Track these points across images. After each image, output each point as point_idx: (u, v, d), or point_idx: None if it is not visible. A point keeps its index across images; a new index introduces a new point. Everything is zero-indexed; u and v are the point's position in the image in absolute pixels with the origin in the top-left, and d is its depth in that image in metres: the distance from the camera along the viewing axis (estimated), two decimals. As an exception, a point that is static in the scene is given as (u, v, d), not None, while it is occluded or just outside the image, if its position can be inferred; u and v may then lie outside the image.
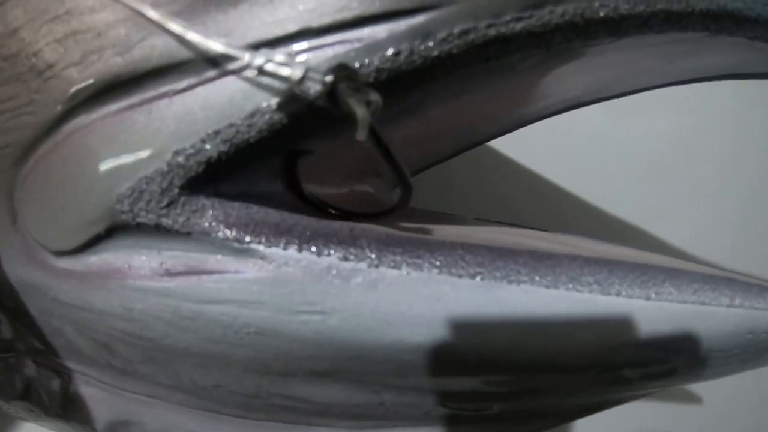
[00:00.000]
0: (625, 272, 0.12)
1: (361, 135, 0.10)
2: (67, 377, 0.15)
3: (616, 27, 0.12)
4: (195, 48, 0.10)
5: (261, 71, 0.10)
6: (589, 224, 0.25)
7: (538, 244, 0.13)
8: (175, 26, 0.10)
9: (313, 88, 0.10)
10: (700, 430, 0.23)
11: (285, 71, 0.10)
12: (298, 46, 0.10)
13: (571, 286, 0.11)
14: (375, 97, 0.10)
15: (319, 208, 0.12)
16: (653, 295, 0.12)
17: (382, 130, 0.13)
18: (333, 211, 0.12)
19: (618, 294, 0.12)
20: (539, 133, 0.22)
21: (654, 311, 0.12)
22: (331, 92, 0.10)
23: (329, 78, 0.10)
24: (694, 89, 0.19)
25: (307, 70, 0.10)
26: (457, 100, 0.14)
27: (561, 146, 0.25)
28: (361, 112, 0.09)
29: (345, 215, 0.12)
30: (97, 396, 0.15)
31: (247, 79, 0.10)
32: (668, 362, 0.13)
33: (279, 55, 0.10)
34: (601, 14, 0.12)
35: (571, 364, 0.12)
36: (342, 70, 0.10)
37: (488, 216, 0.17)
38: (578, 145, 0.25)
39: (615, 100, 0.19)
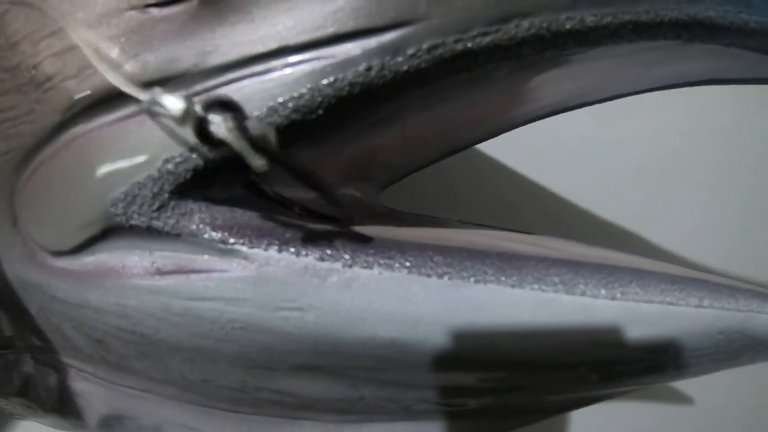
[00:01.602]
0: (592, 273, 0.14)
1: (255, 162, 0.11)
2: (63, 373, 0.17)
3: (584, 38, 0.14)
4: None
5: (150, 110, 0.12)
6: (581, 227, 0.26)
7: (514, 246, 0.15)
8: (96, 61, 0.12)
9: (189, 123, 0.11)
10: (691, 430, 0.25)
11: (167, 108, 0.11)
12: (278, 62, 0.12)
13: (536, 286, 0.13)
14: (255, 125, 0.11)
15: (288, 209, 0.13)
16: (619, 296, 0.14)
17: (361, 138, 0.15)
18: (299, 212, 0.14)
19: (583, 294, 0.13)
20: (531, 136, 0.23)
21: (620, 311, 0.14)
22: (199, 129, 0.11)
23: (199, 113, 0.11)
24: (685, 92, 0.21)
25: (186, 108, 0.11)
26: (435, 108, 0.15)
27: (553, 149, 0.26)
28: (237, 143, 0.11)
29: (309, 215, 0.13)
30: (93, 391, 0.17)
31: (232, 93, 0.12)
32: (637, 362, 0.15)
33: (166, 95, 0.11)
34: (568, 26, 0.13)
35: (537, 362, 0.14)
36: (211, 105, 0.11)
37: (480, 219, 0.19)
38: (570, 148, 0.27)
39: (606, 104, 0.20)
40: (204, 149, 0.12)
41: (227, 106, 0.11)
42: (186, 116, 0.11)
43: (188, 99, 0.11)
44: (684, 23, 0.15)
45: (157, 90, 0.11)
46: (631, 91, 0.19)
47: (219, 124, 0.11)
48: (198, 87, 0.12)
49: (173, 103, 0.11)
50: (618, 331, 0.14)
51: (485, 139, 0.19)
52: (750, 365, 0.18)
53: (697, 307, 0.15)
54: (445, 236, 0.14)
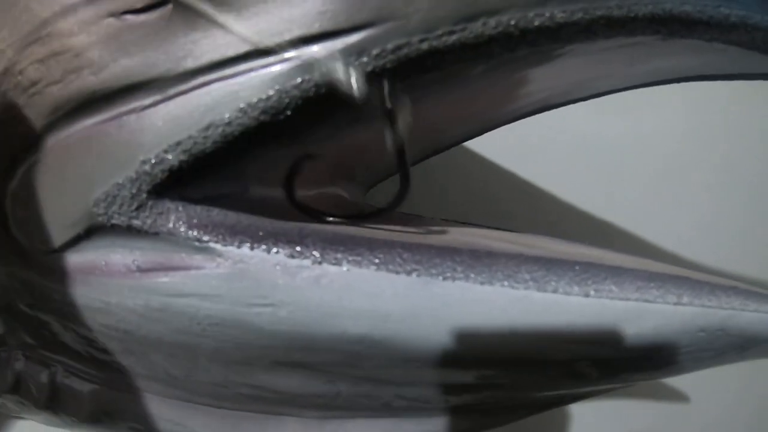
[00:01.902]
0: (565, 270, 0.14)
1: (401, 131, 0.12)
2: (54, 370, 0.18)
3: (555, 35, 0.14)
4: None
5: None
6: (573, 226, 0.26)
7: (490, 243, 0.15)
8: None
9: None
10: (688, 429, 0.25)
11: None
12: (247, 65, 0.12)
13: (506, 283, 0.13)
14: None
15: (314, 216, 0.14)
16: (592, 293, 0.14)
17: (341, 137, 0.15)
18: (330, 219, 0.14)
19: (555, 291, 0.13)
20: (522, 134, 0.23)
21: (593, 308, 0.14)
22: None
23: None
24: (679, 89, 0.21)
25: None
26: (414, 107, 0.16)
27: (544, 148, 0.26)
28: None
29: (345, 219, 0.14)
30: (82, 387, 0.18)
31: (204, 96, 0.13)
32: (612, 360, 0.15)
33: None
34: (537, 23, 0.13)
35: (509, 359, 0.14)
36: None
37: (471, 218, 0.19)
38: (561, 146, 0.27)
39: (600, 101, 0.20)
40: (182, 147, 0.12)
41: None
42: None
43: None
44: (660, 18, 0.15)
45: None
46: (616, 88, 0.19)
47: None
48: (172, 91, 0.13)
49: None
50: (591, 329, 0.14)
51: (468, 138, 0.20)
52: (745, 363, 0.18)
53: (675, 304, 0.15)
54: (419, 234, 0.15)
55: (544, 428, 0.25)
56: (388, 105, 0.13)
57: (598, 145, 0.27)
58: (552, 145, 0.26)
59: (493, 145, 0.27)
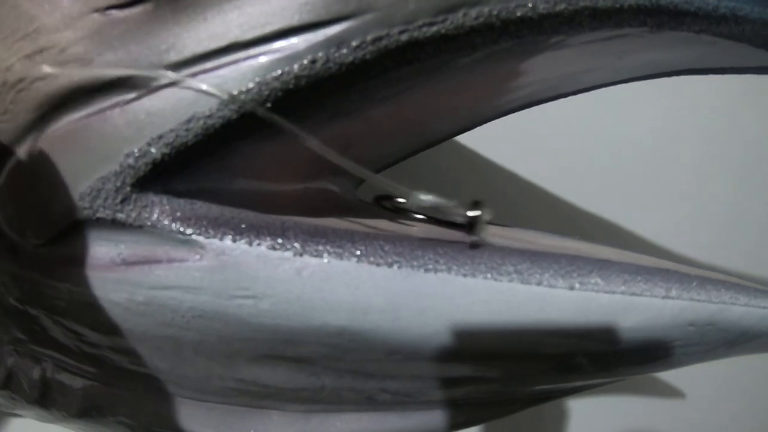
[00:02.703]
0: (550, 263, 0.14)
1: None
2: (45, 365, 0.18)
3: (539, 26, 0.14)
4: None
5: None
6: (568, 221, 0.26)
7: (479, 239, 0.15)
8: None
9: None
10: (683, 425, 0.25)
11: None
12: (229, 58, 0.13)
13: (489, 275, 0.13)
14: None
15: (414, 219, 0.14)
16: (578, 286, 0.14)
17: (325, 130, 0.15)
18: (419, 217, 0.15)
19: (539, 284, 0.14)
20: (516, 130, 0.23)
21: (578, 302, 0.14)
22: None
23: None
24: (671, 82, 0.21)
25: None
26: (398, 100, 0.16)
27: (539, 144, 0.26)
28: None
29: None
30: (72, 382, 0.18)
31: (185, 90, 0.13)
32: (599, 354, 0.15)
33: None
34: (519, 14, 0.13)
35: (494, 352, 0.14)
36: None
37: None
38: (556, 142, 0.27)
39: (592, 95, 0.21)
40: (165, 140, 0.13)
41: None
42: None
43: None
44: (646, 9, 0.15)
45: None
46: (606, 82, 0.19)
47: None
48: (155, 84, 0.13)
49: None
50: (576, 322, 0.14)
51: (456, 134, 0.20)
52: (741, 359, 0.18)
53: (663, 298, 0.15)
54: (402, 227, 0.15)
55: (538, 425, 0.25)
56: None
57: (589, 141, 0.27)
58: (543, 143, 0.26)
59: (487, 142, 0.27)
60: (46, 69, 0.14)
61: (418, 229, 0.15)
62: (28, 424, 0.24)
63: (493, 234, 0.16)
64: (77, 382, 0.18)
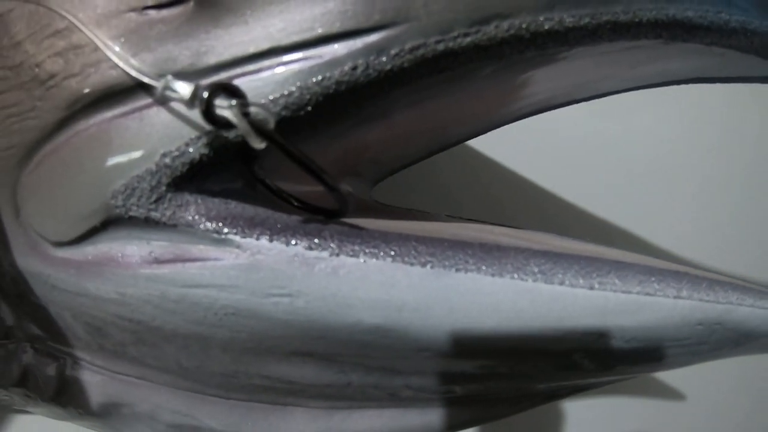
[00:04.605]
0: (571, 263, 0.15)
1: (255, 143, 0.12)
2: (62, 362, 0.18)
3: (564, 38, 0.15)
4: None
5: (163, 95, 0.13)
6: (573, 224, 0.27)
7: (497, 238, 0.16)
8: (113, 55, 0.13)
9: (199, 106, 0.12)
10: (683, 427, 0.26)
11: (178, 93, 0.13)
12: (269, 62, 0.13)
13: (516, 275, 0.14)
14: (257, 110, 0.12)
15: (286, 202, 0.14)
16: (597, 285, 0.15)
17: (350, 134, 0.16)
18: (296, 204, 0.15)
19: (561, 283, 0.14)
20: (524, 134, 0.24)
21: (598, 300, 0.15)
22: (206, 109, 0.12)
23: (205, 96, 0.12)
24: (679, 90, 0.22)
25: (195, 91, 0.12)
26: (422, 106, 0.16)
27: (545, 147, 0.27)
28: (241, 124, 0.12)
29: (307, 209, 0.15)
30: (90, 379, 0.18)
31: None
32: (617, 350, 0.16)
33: (177, 81, 0.13)
34: (546, 27, 0.14)
35: (518, 349, 0.15)
36: (216, 89, 0.12)
37: (472, 215, 0.20)
38: (563, 145, 0.28)
39: (601, 101, 0.21)
40: (203, 140, 0.13)
41: (232, 92, 0.13)
42: (194, 99, 0.12)
43: (197, 84, 0.12)
44: (663, 23, 0.16)
45: (169, 77, 0.13)
46: (618, 89, 0.20)
47: (224, 107, 0.12)
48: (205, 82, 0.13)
49: (183, 87, 0.13)
50: (595, 321, 0.15)
51: (473, 137, 0.20)
52: (741, 361, 0.19)
53: (675, 298, 0.16)
54: (429, 228, 0.15)
55: (540, 426, 0.26)
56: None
57: (599, 144, 0.28)
58: (553, 145, 0.27)
59: (496, 145, 0.28)
60: (79, 66, 0.14)
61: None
62: (28, 423, 0.24)
63: (511, 236, 0.17)
64: (96, 379, 0.18)
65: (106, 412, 0.18)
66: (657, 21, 0.16)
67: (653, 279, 0.16)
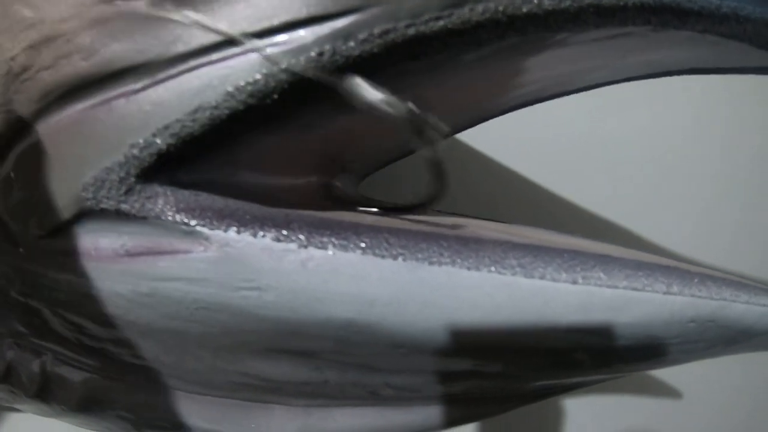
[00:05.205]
0: (552, 257, 0.14)
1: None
2: (45, 358, 0.18)
3: (544, 22, 0.14)
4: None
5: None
6: (568, 222, 0.26)
7: (478, 231, 0.15)
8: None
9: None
10: (680, 425, 0.25)
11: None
12: (237, 49, 0.13)
13: (493, 268, 0.13)
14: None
15: (367, 207, 0.14)
16: (580, 280, 0.14)
17: (326, 124, 0.15)
18: (378, 209, 0.15)
19: (542, 277, 0.14)
20: (518, 129, 0.23)
21: (581, 296, 0.14)
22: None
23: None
24: (677, 85, 0.21)
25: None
26: (402, 96, 0.16)
27: (541, 143, 0.27)
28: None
29: (394, 211, 0.15)
30: (73, 376, 0.18)
31: (192, 80, 0.13)
32: (603, 348, 0.15)
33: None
34: (525, 10, 0.14)
35: (499, 346, 0.14)
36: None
37: (465, 211, 0.19)
38: (558, 141, 0.27)
39: (598, 97, 0.21)
40: (170, 131, 0.13)
41: None
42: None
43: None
44: (650, 7, 0.15)
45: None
46: (609, 80, 0.20)
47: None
48: (161, 75, 0.13)
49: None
50: (579, 317, 0.14)
51: (459, 130, 0.20)
52: (739, 358, 0.18)
53: (664, 293, 0.15)
54: (407, 221, 0.15)
55: (537, 425, 0.25)
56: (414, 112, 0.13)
57: (594, 142, 0.27)
58: (549, 141, 0.27)
59: (490, 141, 0.27)
60: (52, 58, 0.14)
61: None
62: (25, 420, 0.24)
63: (492, 230, 0.16)
64: (77, 376, 0.18)
65: (88, 408, 0.18)
66: (644, 5, 0.15)
67: (641, 273, 0.15)
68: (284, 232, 0.13)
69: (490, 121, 0.20)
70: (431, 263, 0.13)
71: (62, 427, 0.20)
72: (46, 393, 0.18)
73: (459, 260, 0.13)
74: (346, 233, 0.13)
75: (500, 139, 0.26)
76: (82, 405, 0.18)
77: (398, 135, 0.19)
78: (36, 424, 0.22)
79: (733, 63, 0.18)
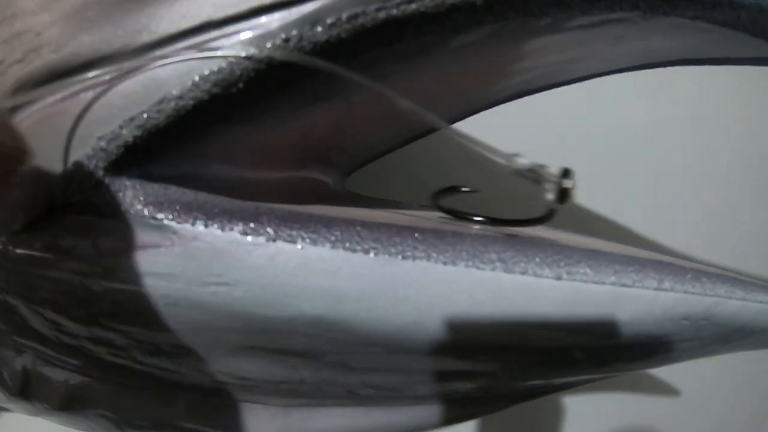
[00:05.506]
0: (535, 251, 0.13)
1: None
2: (26, 356, 0.18)
3: (523, 6, 0.13)
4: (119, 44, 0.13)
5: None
6: (566, 217, 0.25)
7: (459, 226, 0.15)
8: None
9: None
10: (678, 423, 0.24)
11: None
12: (202, 37, 0.12)
13: (471, 263, 0.13)
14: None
15: (467, 220, 0.14)
16: (565, 276, 0.13)
17: (301, 116, 0.15)
18: (477, 219, 0.14)
19: (524, 273, 0.13)
20: (512, 122, 0.23)
21: (566, 292, 0.13)
22: None
23: None
24: (673, 78, 0.20)
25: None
26: (381, 84, 0.15)
27: (535, 137, 0.26)
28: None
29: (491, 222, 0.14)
30: (54, 374, 0.18)
31: (158, 70, 0.12)
32: (591, 347, 0.14)
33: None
34: None
35: (478, 344, 0.13)
36: None
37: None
38: (552, 136, 0.26)
39: (591, 91, 0.20)
40: (136, 122, 0.12)
41: None
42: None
43: None
44: None
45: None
46: (601, 71, 0.19)
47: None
48: (128, 66, 0.13)
49: None
50: (565, 314, 0.13)
51: (449, 123, 0.19)
52: (738, 356, 0.17)
53: (655, 290, 0.14)
54: (384, 214, 0.14)
55: (534, 423, 0.24)
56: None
57: (582, 135, 0.26)
58: (551, 137, 0.26)
59: (487, 134, 0.27)
60: (22, 52, 0.14)
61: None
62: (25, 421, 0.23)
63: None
64: (58, 374, 0.17)
65: (70, 407, 0.18)
66: None
67: (631, 269, 0.14)
68: (252, 225, 0.12)
69: (483, 113, 0.19)
70: (405, 257, 0.12)
71: (59, 427, 0.20)
72: (28, 392, 0.18)
73: (434, 254, 0.13)
74: (316, 226, 0.13)
75: (494, 132, 0.25)
76: (65, 404, 0.18)
77: (384, 130, 0.18)
78: (36, 425, 0.22)
79: (728, 53, 0.17)
